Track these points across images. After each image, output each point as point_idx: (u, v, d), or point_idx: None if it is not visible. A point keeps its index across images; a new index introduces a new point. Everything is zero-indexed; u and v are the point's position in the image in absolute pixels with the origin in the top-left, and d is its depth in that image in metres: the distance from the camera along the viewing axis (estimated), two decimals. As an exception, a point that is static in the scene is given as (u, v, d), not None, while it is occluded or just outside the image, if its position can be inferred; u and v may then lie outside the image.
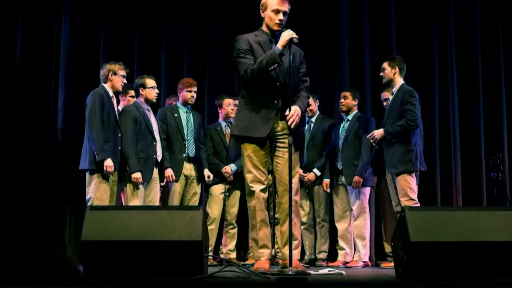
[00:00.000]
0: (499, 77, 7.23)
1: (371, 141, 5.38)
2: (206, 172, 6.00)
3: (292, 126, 3.98)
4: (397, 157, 5.17)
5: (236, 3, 6.99)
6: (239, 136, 4.25)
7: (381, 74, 5.45)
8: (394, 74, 5.37)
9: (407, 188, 5.11)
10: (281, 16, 4.14)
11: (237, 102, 6.27)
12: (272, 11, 4.15)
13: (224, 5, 7.17)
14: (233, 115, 6.28)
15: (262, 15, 4.25)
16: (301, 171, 5.59)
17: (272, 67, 3.99)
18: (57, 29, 7.08)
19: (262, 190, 4.17)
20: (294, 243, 3.97)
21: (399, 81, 5.38)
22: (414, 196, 5.13)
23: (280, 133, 4.19)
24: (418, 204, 5.12)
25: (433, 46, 7.16)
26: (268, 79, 4.08)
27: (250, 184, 4.18)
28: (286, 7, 4.16)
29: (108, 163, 5.08)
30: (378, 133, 5.29)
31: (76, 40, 7.05)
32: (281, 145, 4.18)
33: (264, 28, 4.26)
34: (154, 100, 5.69)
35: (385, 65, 5.42)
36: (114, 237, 3.30)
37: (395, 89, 5.37)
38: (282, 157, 4.17)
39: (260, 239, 4.18)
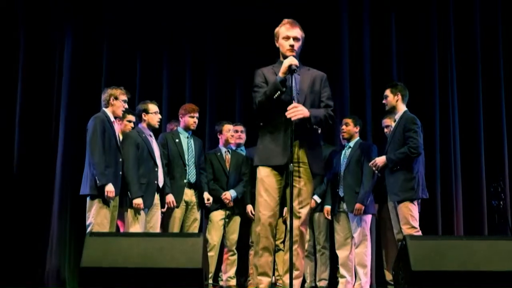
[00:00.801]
0: (500, 103, 7.26)
1: (373, 168, 5.36)
2: (206, 195, 5.96)
3: (292, 119, 3.91)
4: (399, 184, 5.15)
5: (240, 31, 7.06)
6: (259, 166, 4.19)
7: (383, 101, 5.45)
8: (397, 101, 5.37)
9: (409, 216, 5.08)
10: (291, 41, 4.14)
11: (237, 128, 6.36)
12: (283, 38, 4.18)
13: (227, 30, 7.23)
14: (232, 141, 6.30)
15: (277, 45, 4.26)
16: None
17: (275, 95, 3.99)
18: (59, 54, 7.15)
19: (270, 217, 4.06)
20: (295, 273, 3.93)
21: (402, 108, 5.38)
22: (416, 224, 5.10)
23: (298, 160, 4.10)
24: (420, 232, 5.10)
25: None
26: (282, 106, 4.02)
27: (258, 209, 4.10)
28: (296, 33, 4.16)
29: (109, 188, 5.05)
30: (380, 160, 5.28)
31: (78, 65, 7.11)
32: (297, 173, 4.09)
33: (281, 58, 4.25)
34: (157, 126, 5.69)
35: (387, 92, 5.42)
36: (114, 264, 3.29)
37: (397, 116, 5.37)
38: (295, 186, 4.04)
39: (260, 266, 4.10)
